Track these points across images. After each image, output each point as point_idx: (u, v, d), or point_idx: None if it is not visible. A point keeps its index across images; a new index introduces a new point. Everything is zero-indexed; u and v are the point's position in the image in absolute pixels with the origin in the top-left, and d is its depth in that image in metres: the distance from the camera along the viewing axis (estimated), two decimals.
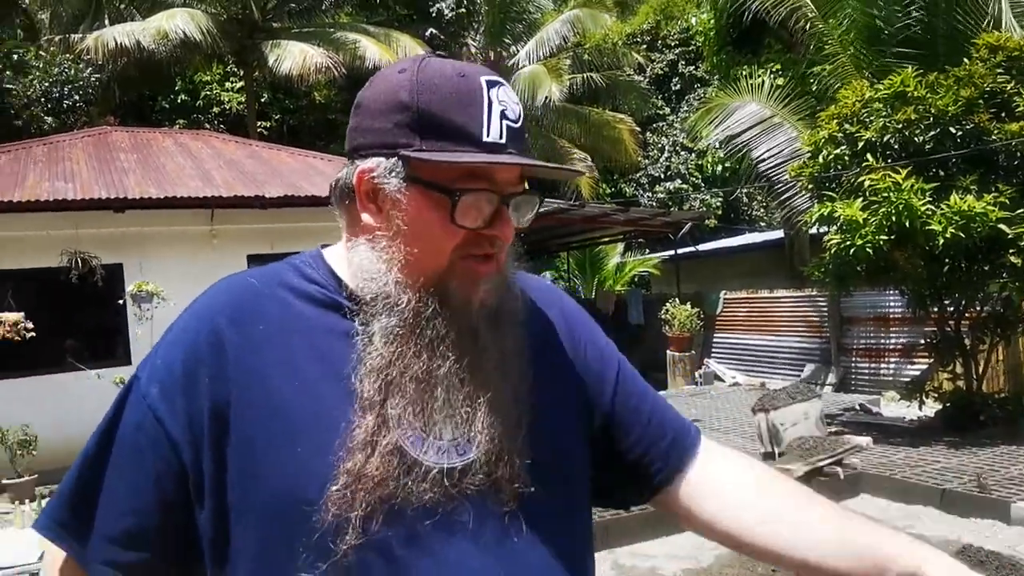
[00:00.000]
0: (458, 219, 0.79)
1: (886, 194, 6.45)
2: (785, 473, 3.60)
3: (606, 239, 15.94)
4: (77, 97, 16.22)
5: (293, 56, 13.84)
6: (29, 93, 15.34)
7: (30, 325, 6.77)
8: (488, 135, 0.79)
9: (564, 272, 18.06)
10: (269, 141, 14.37)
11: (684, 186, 20.93)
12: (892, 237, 6.52)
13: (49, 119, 15.50)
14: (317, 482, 0.76)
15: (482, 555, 0.79)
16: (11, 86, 15.00)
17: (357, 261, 0.84)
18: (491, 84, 0.81)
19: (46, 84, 15.94)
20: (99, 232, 7.96)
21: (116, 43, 13.28)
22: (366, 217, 0.83)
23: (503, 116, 0.80)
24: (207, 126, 17.53)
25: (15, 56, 15.58)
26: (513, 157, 0.80)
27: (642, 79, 22.10)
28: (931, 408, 7.99)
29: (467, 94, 0.79)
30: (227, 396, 0.80)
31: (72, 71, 15.81)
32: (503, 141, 0.80)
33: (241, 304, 0.85)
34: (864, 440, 4.33)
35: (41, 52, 15.89)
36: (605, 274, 17.73)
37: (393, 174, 0.80)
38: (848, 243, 6.71)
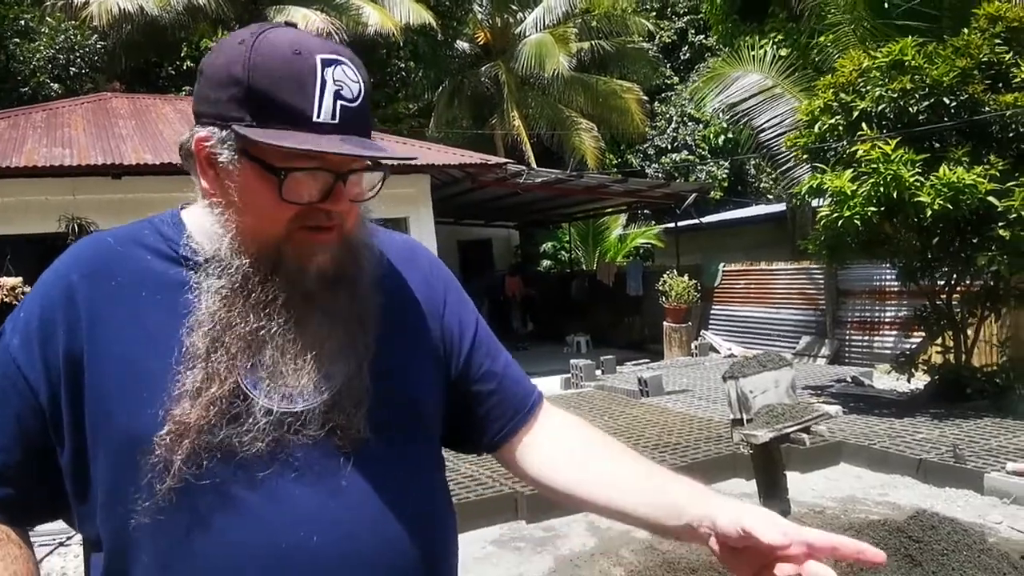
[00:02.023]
0: (286, 196, 0.81)
1: (875, 165, 6.39)
2: (750, 439, 3.62)
3: (608, 210, 15.87)
4: (83, 64, 16.19)
5: (296, 21, 13.72)
6: (35, 60, 15.33)
7: (28, 290, 6.85)
8: (319, 115, 0.79)
9: (566, 243, 18.02)
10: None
11: (691, 157, 20.75)
12: (882, 209, 6.47)
13: (55, 86, 15.50)
14: (150, 427, 0.81)
15: (315, 498, 0.83)
16: (17, 52, 15.00)
17: (200, 221, 0.90)
18: (327, 63, 0.81)
19: (52, 51, 15.92)
20: (97, 198, 8.02)
21: (120, 9, 13.25)
22: (204, 183, 0.87)
23: (337, 96, 0.81)
24: None
25: (21, 21, 15.54)
26: (335, 143, 0.80)
27: (651, 47, 21.81)
28: (920, 381, 7.99)
29: (299, 73, 0.80)
30: (80, 345, 0.85)
31: (77, 37, 15.77)
32: (335, 122, 0.80)
33: (95, 260, 0.90)
34: (833, 409, 4.34)
35: (47, 18, 15.84)
36: (607, 246, 17.68)
37: (225, 146, 0.82)
38: (837, 215, 6.68)
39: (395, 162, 0.88)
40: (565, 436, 1.05)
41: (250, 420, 0.82)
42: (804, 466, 5.53)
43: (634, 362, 11.63)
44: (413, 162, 0.84)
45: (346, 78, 0.82)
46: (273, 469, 0.82)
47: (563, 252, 18.14)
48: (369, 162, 0.86)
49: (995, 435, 5.94)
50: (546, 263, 18.32)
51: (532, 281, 16.48)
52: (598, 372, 10.22)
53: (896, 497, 4.95)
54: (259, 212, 0.83)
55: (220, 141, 0.82)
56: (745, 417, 4.03)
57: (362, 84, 0.83)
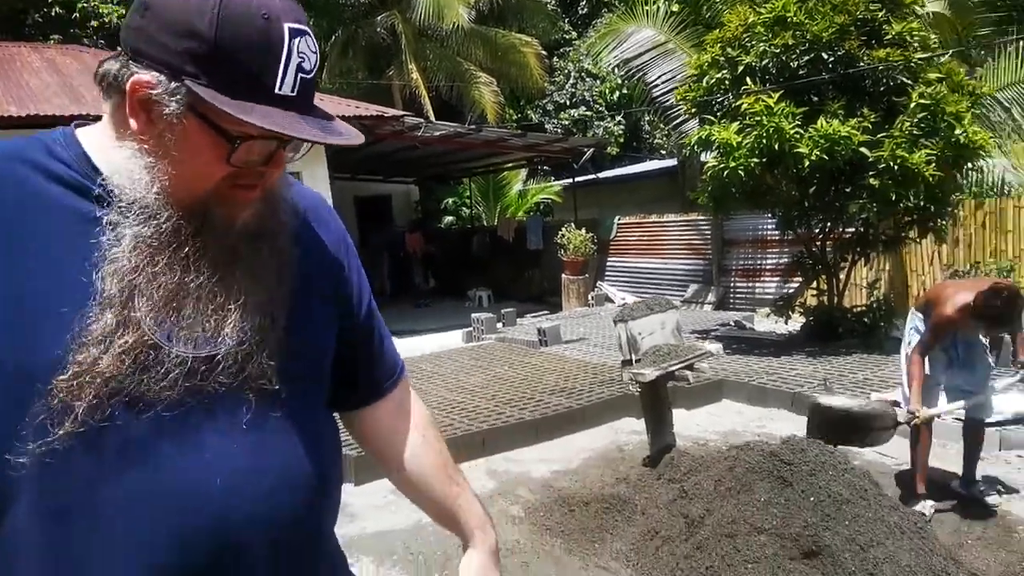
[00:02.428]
0: (234, 160, 0.80)
1: (759, 118, 6.64)
2: (639, 377, 3.74)
3: (508, 165, 15.86)
4: None
5: None
6: None
7: None
8: (280, 87, 0.78)
9: (466, 199, 17.91)
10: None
11: (588, 113, 20.94)
12: (764, 160, 6.75)
13: None
14: (46, 367, 0.76)
15: (222, 445, 0.82)
16: None
17: (120, 160, 0.82)
18: (294, 33, 0.78)
19: None
20: None
21: None
22: (133, 124, 0.80)
23: (299, 69, 0.79)
24: (85, 41, 16.12)
25: None
26: (298, 123, 0.79)
27: (550, 0, 21.70)
28: (797, 323, 8.51)
29: (268, 42, 0.77)
30: None
31: None
32: (294, 95, 0.79)
33: None
34: (714, 347, 4.59)
35: None
36: (508, 201, 17.71)
37: (174, 98, 0.77)
38: (723, 166, 6.92)
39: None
40: (403, 429, 1.12)
41: (162, 369, 0.79)
42: (689, 403, 5.81)
43: (534, 314, 11.80)
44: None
45: (307, 50, 0.80)
46: (180, 415, 0.80)
47: (464, 208, 18.03)
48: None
49: (862, 369, 6.42)
50: (447, 219, 18.18)
51: (433, 237, 16.33)
52: (499, 325, 10.33)
53: (773, 428, 5.28)
54: (197, 169, 0.80)
55: (168, 92, 0.77)
56: (634, 357, 4.16)
57: (317, 55, 0.82)
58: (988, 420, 4.71)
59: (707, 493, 3.37)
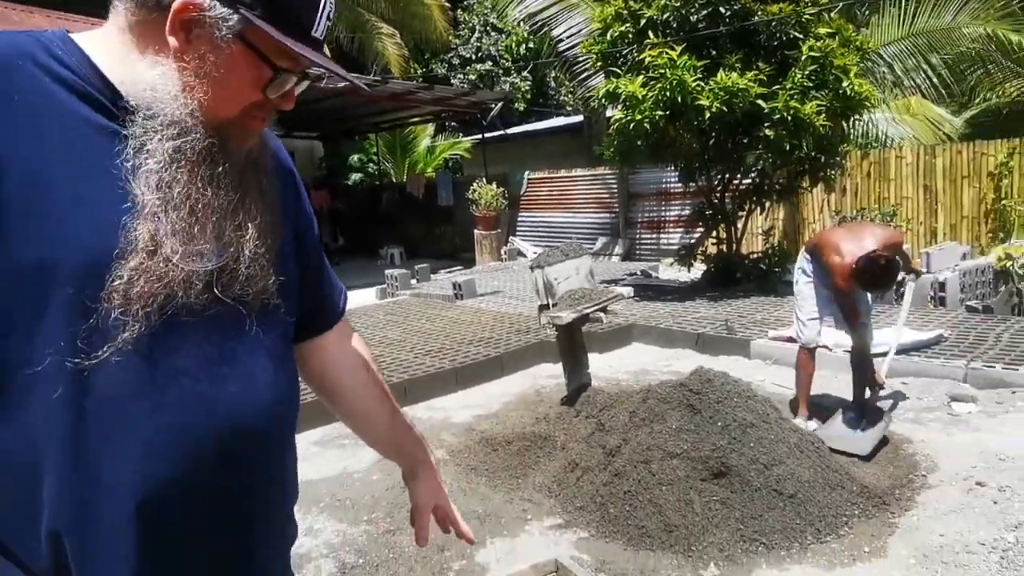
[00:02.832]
0: (269, 92, 0.86)
1: (662, 71, 6.81)
2: (556, 320, 3.85)
3: (415, 119, 15.60)
4: None
5: None
6: None
7: None
8: (315, 30, 0.86)
9: (373, 155, 17.55)
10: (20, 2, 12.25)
11: (494, 68, 20.77)
12: (667, 113, 6.95)
13: None
14: (96, 272, 0.78)
15: (237, 355, 0.88)
16: None
17: (144, 74, 0.82)
18: None
19: None
20: None
21: None
22: (173, 41, 0.81)
23: (328, 16, 0.87)
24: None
25: None
26: (334, 67, 0.88)
27: None
28: (699, 270, 8.91)
29: None
30: None
31: None
32: (320, 38, 0.87)
33: None
34: (626, 291, 4.77)
35: None
36: (416, 157, 17.46)
37: (226, 25, 0.80)
38: (629, 119, 7.09)
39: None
40: (351, 365, 1.18)
41: (190, 281, 0.82)
42: (602, 347, 6.03)
43: (447, 270, 11.81)
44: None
45: None
46: (201, 326, 0.84)
47: (371, 164, 17.66)
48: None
49: (759, 310, 6.81)
50: (354, 176, 17.76)
51: (340, 194, 15.95)
52: (413, 281, 10.29)
53: (679, 366, 5.56)
54: (231, 93, 0.84)
55: (220, 18, 0.80)
56: (551, 302, 4.29)
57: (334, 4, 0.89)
58: (875, 352, 5.14)
59: (622, 425, 3.55)
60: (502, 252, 12.56)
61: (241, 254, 0.87)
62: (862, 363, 4.16)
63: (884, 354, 5.05)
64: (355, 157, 17.66)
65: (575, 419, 4.12)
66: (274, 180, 0.96)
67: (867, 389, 4.18)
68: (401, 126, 16.34)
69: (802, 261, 4.23)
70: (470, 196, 12.30)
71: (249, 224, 0.87)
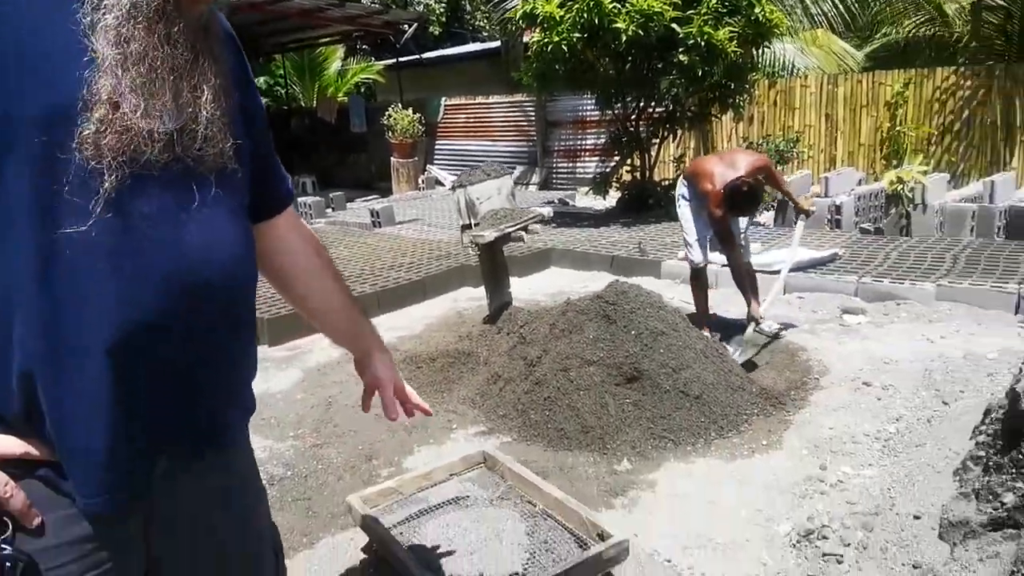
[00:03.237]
0: None
1: None
2: (478, 239, 3.90)
3: (325, 40, 14.95)
4: None
5: None
6: None
7: None
8: None
9: (280, 78, 16.79)
10: None
11: None
12: (584, 35, 6.96)
13: None
14: (63, 122, 0.80)
15: (198, 212, 0.91)
16: None
17: None
18: None
19: None
20: None
21: None
22: None
23: None
24: None
25: None
26: None
27: None
28: (614, 198, 9.12)
29: None
30: None
31: None
32: None
33: None
34: (546, 210, 4.89)
35: None
36: (326, 80, 16.80)
37: None
38: (547, 40, 7.06)
39: None
40: (302, 249, 1.22)
41: (151, 138, 0.85)
42: (521, 271, 6.16)
43: (363, 198, 11.62)
44: None
45: None
46: (163, 181, 0.88)
47: (278, 88, 16.90)
48: None
49: (670, 234, 7.07)
50: (261, 100, 16.96)
51: None
52: (328, 210, 10.09)
53: (595, 287, 5.69)
54: None
55: None
56: (473, 222, 4.35)
57: None
58: (774, 269, 5.46)
59: (543, 337, 3.70)
60: (420, 181, 12.43)
61: (199, 114, 0.89)
62: (742, 282, 4.39)
63: (778, 271, 5.39)
64: (261, 80, 16.82)
65: (497, 336, 4.25)
66: (224, 49, 0.98)
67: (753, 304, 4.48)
68: (310, 47, 15.64)
69: (681, 187, 4.46)
70: (385, 122, 12.02)
71: (205, 86, 0.90)
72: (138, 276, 0.86)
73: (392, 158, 12.28)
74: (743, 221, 4.43)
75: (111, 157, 0.82)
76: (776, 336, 4.43)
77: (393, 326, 5.09)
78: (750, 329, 4.22)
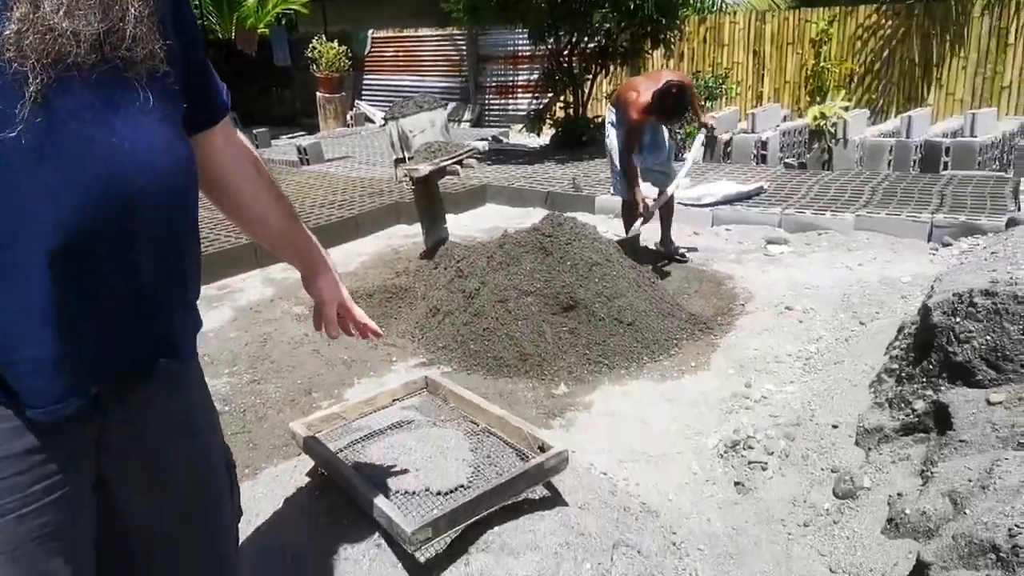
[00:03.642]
0: None
1: None
2: (413, 173, 3.87)
3: None
4: None
5: None
6: None
7: None
8: None
9: (196, 7, 15.84)
10: None
11: None
12: None
13: None
14: None
15: (128, 116, 0.89)
16: None
17: None
18: None
19: None
20: None
21: None
22: None
23: None
24: None
25: None
26: None
27: None
28: (547, 135, 9.09)
29: None
30: None
31: None
32: None
33: None
34: (481, 144, 4.85)
35: None
36: (245, 11, 15.96)
37: None
38: None
39: None
40: (239, 160, 1.20)
41: (77, 39, 0.83)
42: (457, 208, 6.13)
43: (289, 135, 11.25)
44: None
45: None
46: (91, 84, 0.85)
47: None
48: None
49: (603, 170, 7.10)
50: None
51: None
52: (252, 147, 9.73)
53: (531, 222, 5.77)
54: None
55: None
56: (407, 155, 4.29)
57: None
58: (702, 203, 5.60)
59: (480, 270, 3.72)
60: (348, 117, 12.08)
61: (127, 14, 0.87)
62: (667, 204, 4.50)
63: (714, 204, 5.53)
64: None
65: (434, 271, 4.25)
66: None
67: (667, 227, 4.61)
68: None
69: (609, 115, 4.52)
70: (310, 55, 11.56)
71: None
72: (72, 182, 0.84)
73: (318, 93, 11.87)
74: (666, 152, 4.51)
75: (35, 59, 0.79)
76: (677, 255, 4.65)
77: None
78: (637, 224, 4.40)
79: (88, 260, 0.87)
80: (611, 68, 8.74)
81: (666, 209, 4.57)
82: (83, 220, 0.85)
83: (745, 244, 5.04)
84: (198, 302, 1.11)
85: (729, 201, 5.60)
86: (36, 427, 0.89)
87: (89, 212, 0.85)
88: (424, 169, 4.02)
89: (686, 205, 5.58)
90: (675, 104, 4.03)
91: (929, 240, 4.77)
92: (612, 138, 4.46)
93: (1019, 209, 5.01)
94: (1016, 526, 1.58)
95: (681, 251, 4.72)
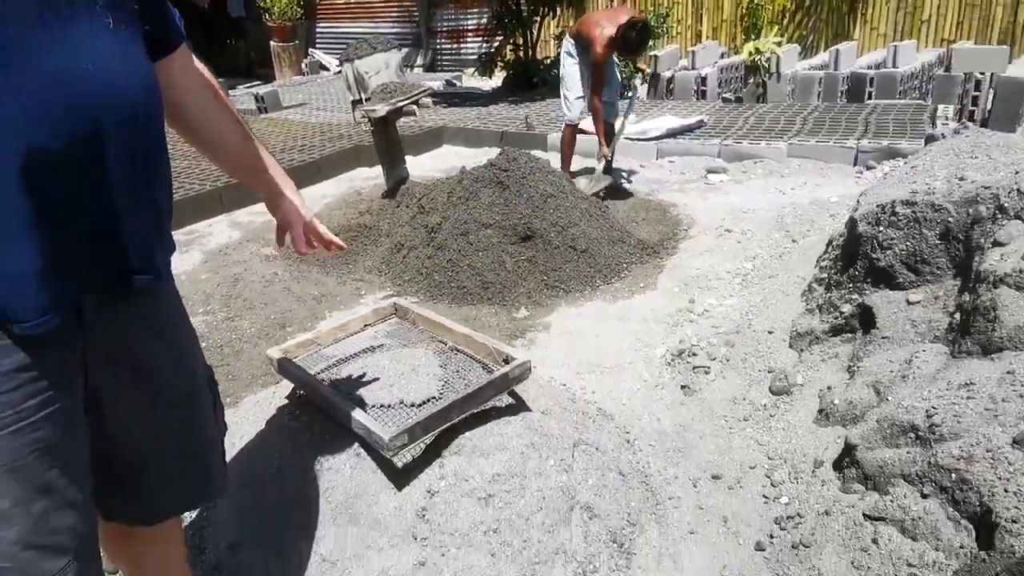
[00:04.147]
0: None
1: None
2: (371, 113, 3.76)
3: None
4: None
5: None
6: None
7: None
8: None
9: None
10: None
11: None
12: None
13: None
14: None
15: (89, 37, 0.86)
16: None
17: None
18: None
19: None
20: None
21: None
22: None
23: None
24: None
25: None
26: None
27: None
28: (499, 78, 8.91)
29: None
30: None
31: None
32: None
33: None
34: (436, 84, 4.74)
35: None
36: None
37: None
38: None
39: None
40: (197, 85, 1.17)
41: None
42: (415, 150, 6.01)
43: (245, 85, 10.81)
44: None
45: None
46: (48, 6, 0.83)
47: None
48: None
49: (554, 109, 7.02)
50: None
51: None
52: None
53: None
54: None
55: None
56: (364, 96, 4.17)
57: None
58: (647, 136, 5.60)
59: (441, 205, 3.69)
60: (303, 66, 11.64)
61: None
62: (599, 125, 4.47)
63: (659, 137, 5.53)
64: None
65: (396, 209, 4.19)
66: None
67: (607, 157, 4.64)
68: None
69: (567, 45, 4.48)
70: (261, 4, 11.03)
71: None
72: (38, 102, 0.82)
73: (272, 43, 11.38)
74: (616, 86, 4.51)
75: None
76: (621, 184, 4.69)
77: None
78: (599, 167, 4.43)
79: (61, 178, 0.85)
80: (558, 10, 8.55)
81: (607, 129, 4.59)
82: (52, 139, 0.83)
83: (688, 174, 5.07)
84: None
85: (672, 134, 5.60)
86: (25, 343, 0.87)
87: (58, 132, 0.83)
88: (382, 109, 3.92)
89: (632, 139, 5.57)
90: (639, 39, 4.06)
91: (855, 164, 4.86)
92: (568, 67, 4.45)
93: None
94: (933, 407, 1.67)
95: (621, 177, 4.78)
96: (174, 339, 1.13)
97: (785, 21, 8.72)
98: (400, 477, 1.63)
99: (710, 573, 1.67)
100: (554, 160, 5.54)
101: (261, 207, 5.33)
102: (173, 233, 1.13)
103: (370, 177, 5.50)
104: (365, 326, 2.20)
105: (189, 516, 1.89)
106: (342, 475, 1.65)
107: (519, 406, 1.85)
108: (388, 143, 4.34)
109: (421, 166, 5.71)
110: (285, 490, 1.72)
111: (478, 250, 3.40)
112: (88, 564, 0.97)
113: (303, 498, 1.68)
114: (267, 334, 3.11)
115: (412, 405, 1.71)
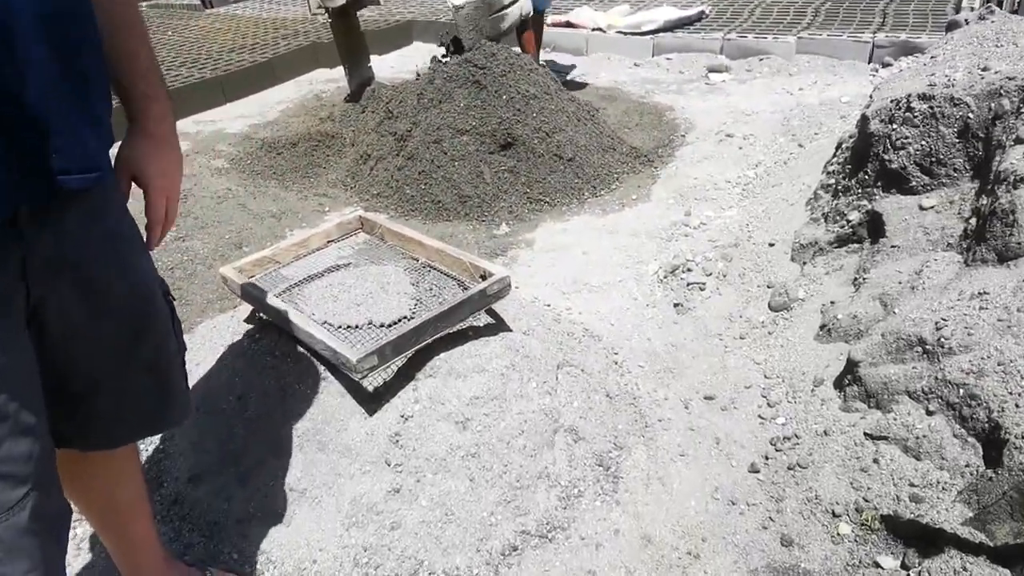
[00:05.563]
0: None
1: None
2: (328, 2, 3.59)
3: None
4: None
5: None
6: None
7: None
8: None
9: None
10: None
11: None
12: None
13: None
14: None
15: None
16: None
17: None
18: None
19: None
20: None
21: None
22: None
23: None
24: None
25: None
26: None
27: None
28: None
29: None
30: None
31: None
32: None
33: None
34: None
35: None
36: None
37: None
38: None
39: None
40: None
41: None
42: (381, 48, 5.83)
43: None
44: None
45: None
46: None
47: None
48: None
49: None
50: None
51: None
52: None
53: None
54: None
55: None
56: None
57: None
58: (642, 31, 5.46)
59: (411, 109, 3.60)
60: None
61: None
62: (538, 21, 4.44)
63: (655, 31, 5.40)
64: None
65: (362, 114, 4.09)
66: None
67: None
68: None
69: None
70: None
71: None
72: None
73: None
74: None
75: None
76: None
77: (243, 114, 4.79)
78: None
79: None
80: None
81: (537, 26, 4.47)
82: None
83: (686, 73, 4.97)
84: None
85: (670, 27, 5.46)
86: None
87: None
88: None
89: (626, 34, 5.42)
90: None
91: (870, 61, 4.78)
92: None
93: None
94: (942, 319, 1.70)
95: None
96: (118, 239, 1.09)
97: None
98: (371, 402, 1.65)
99: (701, 495, 1.72)
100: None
101: (210, 114, 5.21)
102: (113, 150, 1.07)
103: (332, 79, 5.34)
104: (328, 242, 2.17)
105: (146, 449, 1.91)
106: (306, 399, 1.67)
107: (499, 326, 1.86)
108: (349, 39, 4.19)
109: (388, 67, 5.56)
110: (247, 418, 1.73)
111: (453, 160, 3.34)
112: (48, 493, 0.96)
113: (267, 426, 1.69)
114: (221, 255, 3.08)
115: (382, 325, 1.71)
